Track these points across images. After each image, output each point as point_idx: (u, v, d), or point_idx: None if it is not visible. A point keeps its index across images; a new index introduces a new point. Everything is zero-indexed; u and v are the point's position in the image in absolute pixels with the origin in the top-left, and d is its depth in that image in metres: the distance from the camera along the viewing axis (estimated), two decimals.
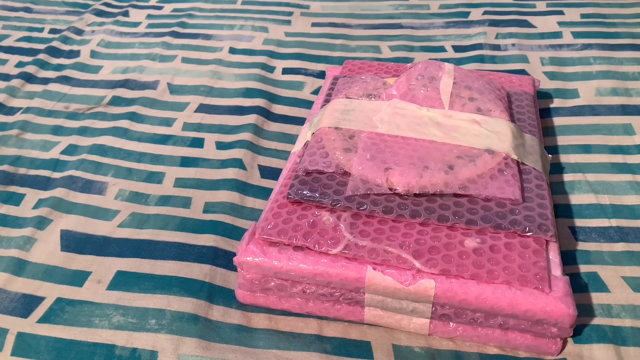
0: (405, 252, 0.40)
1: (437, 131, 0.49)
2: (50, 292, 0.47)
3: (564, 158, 0.58)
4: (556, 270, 0.41)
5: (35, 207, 0.55)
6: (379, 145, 0.48)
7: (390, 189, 0.44)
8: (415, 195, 0.44)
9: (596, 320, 0.43)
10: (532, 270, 0.39)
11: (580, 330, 0.42)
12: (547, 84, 0.69)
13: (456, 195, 0.44)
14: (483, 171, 0.46)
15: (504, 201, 0.44)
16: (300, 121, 0.66)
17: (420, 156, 0.46)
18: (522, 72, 0.71)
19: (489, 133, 0.49)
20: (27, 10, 0.95)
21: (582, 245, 0.49)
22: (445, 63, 0.56)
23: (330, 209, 0.44)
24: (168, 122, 0.67)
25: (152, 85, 0.73)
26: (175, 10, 0.93)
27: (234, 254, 0.43)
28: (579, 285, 0.45)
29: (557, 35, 0.78)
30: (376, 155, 0.47)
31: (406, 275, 0.40)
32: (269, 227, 0.43)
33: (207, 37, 0.84)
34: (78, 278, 0.48)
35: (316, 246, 0.41)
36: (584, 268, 0.47)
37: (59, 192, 0.56)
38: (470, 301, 0.39)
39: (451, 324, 0.42)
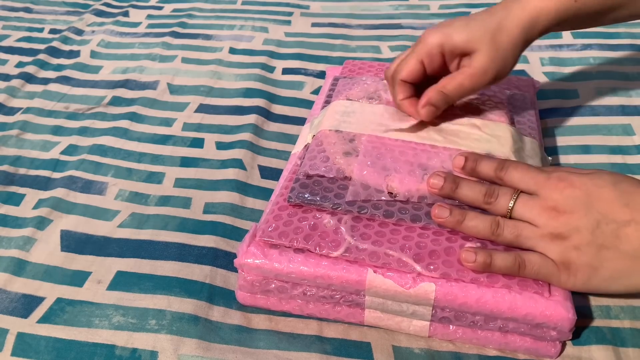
0: (405, 256, 0.40)
1: (437, 136, 0.49)
2: (50, 292, 0.47)
3: (564, 159, 0.58)
4: None
5: (35, 207, 0.56)
6: (380, 149, 0.48)
7: (390, 194, 0.44)
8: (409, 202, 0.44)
9: (595, 322, 0.43)
10: None
11: (579, 332, 0.42)
12: (547, 85, 0.69)
13: None
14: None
15: None
16: (300, 121, 0.66)
17: (421, 163, 0.46)
18: (521, 72, 0.71)
19: (488, 137, 0.49)
20: (27, 10, 0.95)
21: None
22: None
23: (331, 212, 0.44)
24: (168, 122, 0.67)
25: (152, 85, 0.73)
26: (175, 10, 0.93)
27: (234, 255, 0.43)
28: None
29: (557, 35, 0.78)
30: (377, 161, 0.46)
31: (407, 278, 0.40)
32: (269, 229, 0.43)
33: (207, 37, 0.84)
34: (78, 278, 0.48)
35: (317, 249, 0.41)
36: None
37: (59, 192, 0.56)
38: (470, 304, 0.39)
39: (451, 326, 0.42)
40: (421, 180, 0.45)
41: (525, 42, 0.47)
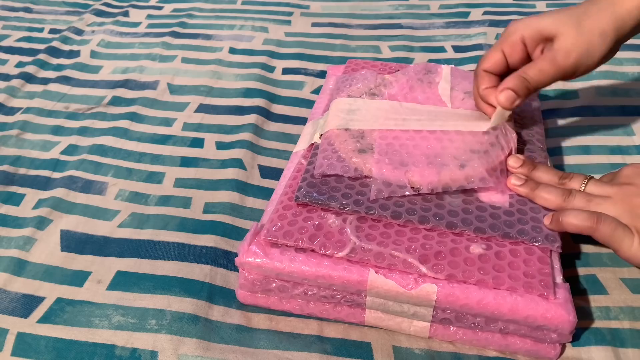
0: (411, 257, 0.40)
1: (446, 123, 0.49)
2: (50, 292, 0.47)
3: (564, 159, 0.58)
4: (557, 276, 0.41)
5: (35, 207, 0.55)
6: (394, 145, 0.47)
7: (413, 188, 0.44)
8: (433, 194, 0.44)
9: (595, 323, 0.43)
10: (537, 277, 0.39)
11: (578, 333, 0.42)
12: None
13: (465, 201, 0.44)
14: (496, 163, 0.46)
15: (511, 210, 0.44)
16: (300, 121, 0.66)
17: (436, 153, 0.46)
18: None
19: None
20: (27, 10, 0.95)
21: (580, 248, 0.49)
22: (442, 65, 0.57)
23: (336, 212, 0.44)
24: (168, 122, 0.67)
25: (152, 85, 0.73)
26: (175, 10, 0.93)
27: (234, 254, 0.43)
28: (578, 288, 0.45)
29: None
30: (393, 157, 0.46)
31: (408, 279, 0.40)
32: (274, 228, 0.43)
33: (207, 37, 0.84)
34: (78, 278, 0.48)
35: (322, 249, 0.41)
36: (582, 271, 0.47)
37: (59, 192, 0.56)
38: (471, 306, 0.39)
39: (451, 327, 0.42)
40: (441, 170, 0.45)
41: (616, 31, 0.45)
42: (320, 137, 0.51)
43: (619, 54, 0.73)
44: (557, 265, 0.41)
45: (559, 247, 0.41)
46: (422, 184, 0.44)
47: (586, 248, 0.49)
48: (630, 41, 0.75)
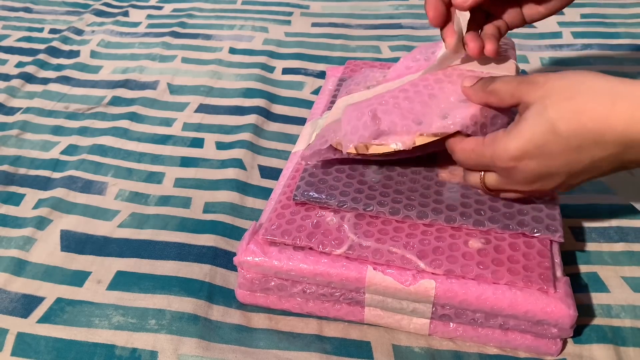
0: (409, 253, 0.40)
1: (442, 76, 0.46)
2: (50, 292, 0.47)
3: None
4: (557, 270, 0.41)
5: (35, 207, 0.55)
6: (377, 97, 0.46)
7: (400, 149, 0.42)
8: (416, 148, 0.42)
9: (596, 321, 0.43)
10: (536, 270, 0.39)
11: (580, 331, 0.42)
12: None
13: (463, 195, 0.44)
14: (486, 117, 0.41)
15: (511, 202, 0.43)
16: (300, 121, 0.66)
17: (422, 100, 0.43)
18: (522, 72, 0.71)
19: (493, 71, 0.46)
20: (27, 10, 0.95)
21: (582, 245, 0.49)
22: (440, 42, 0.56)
23: (333, 210, 0.44)
24: (168, 122, 0.67)
25: (152, 85, 0.73)
26: (175, 10, 0.93)
27: (234, 254, 0.43)
28: (579, 286, 0.45)
29: (557, 35, 0.78)
30: (360, 109, 0.45)
31: (406, 275, 0.40)
32: (272, 227, 0.43)
33: (207, 37, 0.84)
34: (78, 278, 0.48)
35: (320, 247, 0.41)
36: (583, 268, 0.47)
37: (59, 192, 0.56)
38: (470, 301, 0.39)
39: (451, 324, 0.42)
40: (416, 126, 0.42)
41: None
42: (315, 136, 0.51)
43: (619, 54, 0.73)
44: (557, 259, 0.41)
45: (560, 236, 0.41)
46: (391, 134, 0.42)
47: (587, 245, 0.49)
48: (631, 41, 0.75)
